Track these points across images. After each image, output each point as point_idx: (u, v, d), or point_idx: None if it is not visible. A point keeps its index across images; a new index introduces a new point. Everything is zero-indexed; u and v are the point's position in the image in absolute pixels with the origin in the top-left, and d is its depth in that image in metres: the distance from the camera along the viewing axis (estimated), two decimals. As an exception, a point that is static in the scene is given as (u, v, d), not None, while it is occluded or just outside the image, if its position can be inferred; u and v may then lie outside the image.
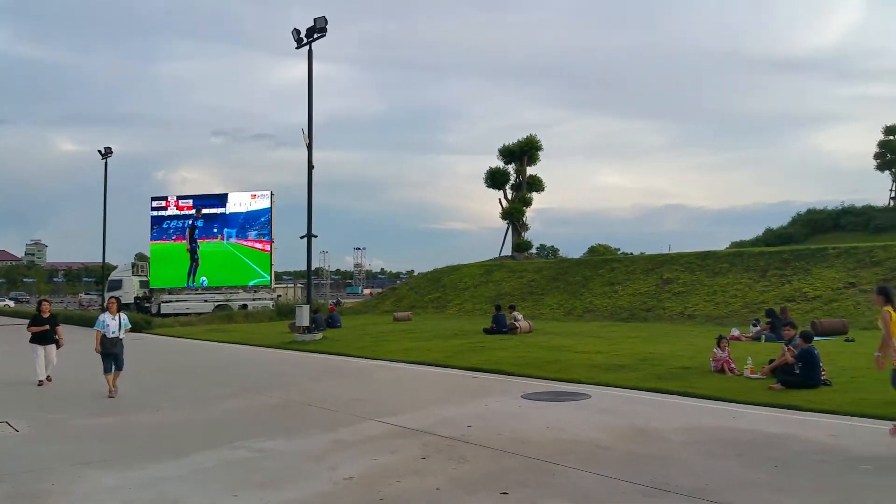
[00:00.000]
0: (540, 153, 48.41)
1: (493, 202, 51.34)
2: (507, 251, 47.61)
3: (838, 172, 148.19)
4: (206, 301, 40.69)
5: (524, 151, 47.63)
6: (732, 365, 11.71)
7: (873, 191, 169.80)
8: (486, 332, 21.52)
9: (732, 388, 10.34)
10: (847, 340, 17.06)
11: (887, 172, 51.56)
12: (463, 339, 20.09)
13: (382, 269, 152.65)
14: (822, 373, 10.46)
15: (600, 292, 30.85)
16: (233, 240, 41.99)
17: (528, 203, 48.05)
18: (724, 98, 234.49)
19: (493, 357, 15.08)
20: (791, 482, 5.73)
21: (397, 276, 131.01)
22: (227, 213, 42.12)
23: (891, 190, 51.45)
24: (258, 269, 41.44)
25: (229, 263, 41.70)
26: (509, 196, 48.55)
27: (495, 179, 48.07)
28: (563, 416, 8.79)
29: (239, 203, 42.10)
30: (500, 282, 36.81)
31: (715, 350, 12.03)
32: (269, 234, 41.36)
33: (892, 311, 7.60)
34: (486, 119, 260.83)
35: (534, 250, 52.46)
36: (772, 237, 42.54)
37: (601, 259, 38.54)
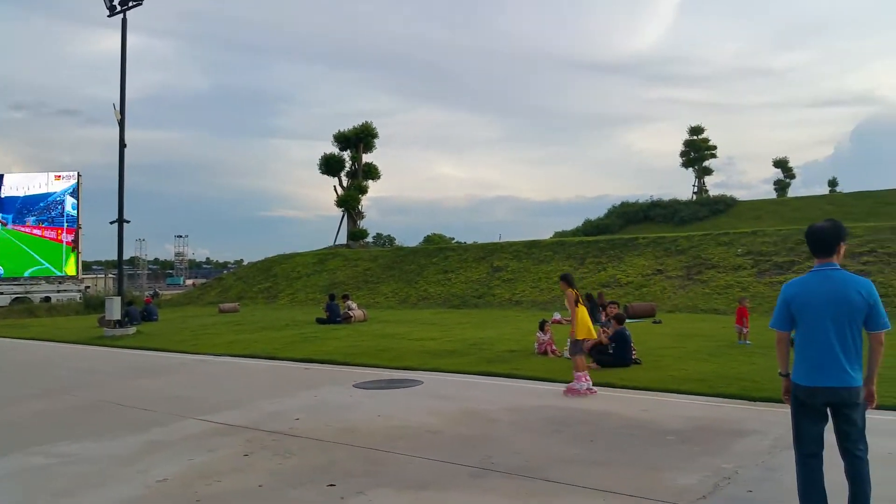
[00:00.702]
0: (376, 141, 48.33)
1: (328, 189, 50.25)
2: (343, 240, 47.10)
3: (649, 169, 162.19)
4: (1, 293, 36.42)
5: (360, 138, 47.27)
6: (554, 347, 12.32)
7: (679, 186, 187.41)
8: (319, 322, 21.09)
9: (554, 369, 10.84)
10: (655, 322, 18.60)
11: (691, 169, 57.21)
12: (294, 329, 19.52)
13: (208, 258, 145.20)
14: (633, 352, 11.26)
15: (434, 280, 31.39)
16: (10, 226, 37.98)
17: (363, 191, 47.80)
18: (548, 95, 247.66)
19: (325, 347, 14.76)
20: (606, 456, 6.05)
21: (225, 265, 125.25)
22: (3, 196, 38.03)
23: (693, 185, 57.16)
24: (38, 257, 37.82)
25: (7, 252, 37.73)
26: (345, 183, 48.01)
27: (330, 166, 47.29)
28: (394, 403, 8.74)
29: (15, 186, 38.16)
30: (334, 270, 36.31)
31: (538, 334, 12.58)
32: (76, 219, 37.87)
33: (574, 292, 9.40)
34: (321, 104, 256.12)
35: (370, 239, 52.36)
36: (590, 228, 45.48)
37: (436, 247, 39.25)
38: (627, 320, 18.78)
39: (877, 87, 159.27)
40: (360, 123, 47.46)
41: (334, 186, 47.88)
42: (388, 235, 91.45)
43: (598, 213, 50.38)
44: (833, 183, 65.00)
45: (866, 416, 4.01)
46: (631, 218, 46.41)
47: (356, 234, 46.65)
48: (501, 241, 36.01)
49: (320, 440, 6.90)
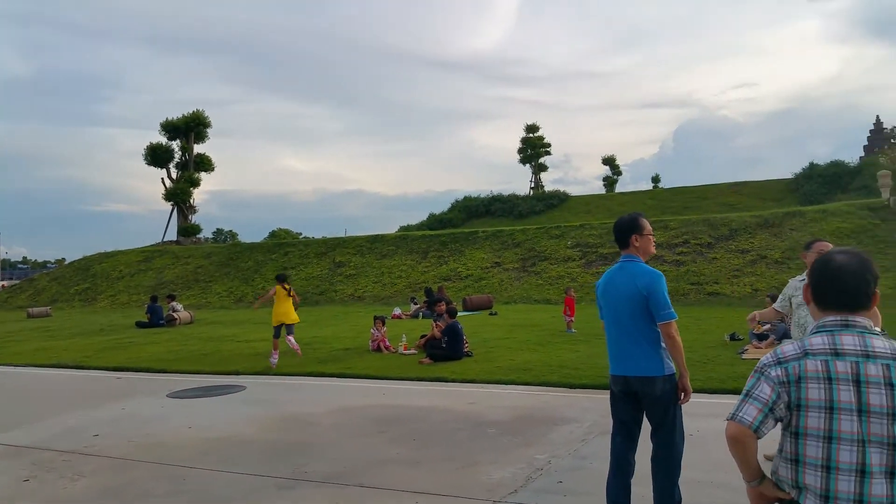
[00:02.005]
0: (209, 131, 45.69)
1: (159, 182, 46.53)
2: (173, 235, 44.21)
3: (491, 165, 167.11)
4: None
5: (190, 128, 44.47)
6: (387, 343, 12.12)
7: (521, 181, 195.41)
8: (140, 325, 19.55)
9: (387, 366, 10.64)
10: (491, 314, 19.00)
11: (528, 165, 59.58)
12: (111, 335, 17.92)
13: (25, 257, 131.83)
14: (466, 345, 11.31)
15: (273, 277, 30.20)
16: None
17: (195, 183, 45.03)
18: (397, 90, 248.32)
19: (142, 353, 13.60)
20: (426, 454, 5.89)
21: (44, 265, 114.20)
22: None
23: (531, 181, 59.54)
24: None
25: None
26: (174, 175, 45.03)
27: (157, 157, 44.06)
28: (210, 412, 8.10)
29: None
30: (161, 269, 33.96)
31: (372, 330, 12.34)
32: None
33: (284, 287, 11.75)
34: (151, 90, 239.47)
35: (210, 234, 49.67)
36: (434, 222, 45.99)
37: (275, 243, 37.88)
38: (466, 312, 19.10)
39: (695, 91, 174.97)
40: (191, 111, 44.70)
41: (162, 179, 44.81)
42: (230, 231, 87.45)
43: (445, 207, 51.03)
44: (656, 179, 70.42)
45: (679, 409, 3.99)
46: (473, 212, 47.47)
47: (188, 230, 43.93)
48: (345, 235, 35.47)
49: (119, 458, 6.19)
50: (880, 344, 1.99)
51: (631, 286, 3.93)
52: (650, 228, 4.12)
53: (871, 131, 50.37)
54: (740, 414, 2.01)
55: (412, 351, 11.66)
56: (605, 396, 8.01)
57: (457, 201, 50.10)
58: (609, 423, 6.71)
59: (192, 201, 44.71)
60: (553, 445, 5.97)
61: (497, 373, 9.68)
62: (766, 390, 2.01)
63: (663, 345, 3.92)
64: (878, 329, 2.06)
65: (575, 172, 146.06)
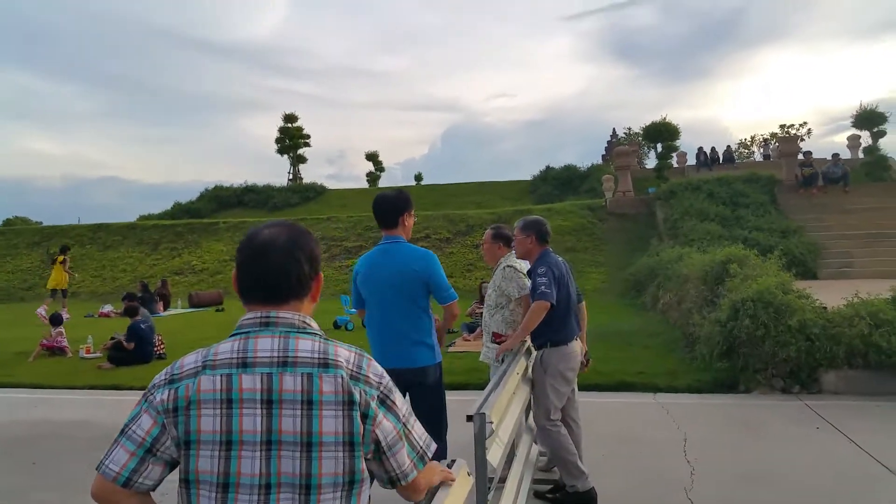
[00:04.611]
0: None
1: None
2: None
3: (263, 157, 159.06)
4: None
5: None
6: (64, 344, 10.65)
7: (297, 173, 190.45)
8: None
9: (60, 373, 9.32)
10: (218, 310, 17.84)
11: (287, 157, 57.79)
12: None
13: None
14: (161, 346, 10.29)
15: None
16: None
17: None
18: (166, 73, 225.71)
19: None
20: (43, 481, 5.01)
21: None
22: None
23: (289, 172, 57.90)
24: None
25: None
26: None
27: None
28: None
29: None
30: None
31: (51, 329, 10.78)
32: None
33: None
34: None
35: None
36: (179, 211, 42.69)
37: (-24, 232, 32.55)
38: (191, 309, 17.82)
39: (462, 97, 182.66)
40: None
41: None
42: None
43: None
44: (419, 177, 72.65)
45: None
46: (224, 202, 44.90)
47: None
48: (69, 224, 31.44)
49: None
50: (307, 346, 1.48)
51: (407, 270, 3.67)
52: None
53: (608, 142, 56.70)
54: (107, 462, 1.44)
55: (96, 354, 10.32)
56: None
57: (207, 190, 47.08)
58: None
59: None
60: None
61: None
62: (145, 424, 1.45)
63: (434, 336, 3.80)
64: (313, 326, 1.56)
65: (351, 168, 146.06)
